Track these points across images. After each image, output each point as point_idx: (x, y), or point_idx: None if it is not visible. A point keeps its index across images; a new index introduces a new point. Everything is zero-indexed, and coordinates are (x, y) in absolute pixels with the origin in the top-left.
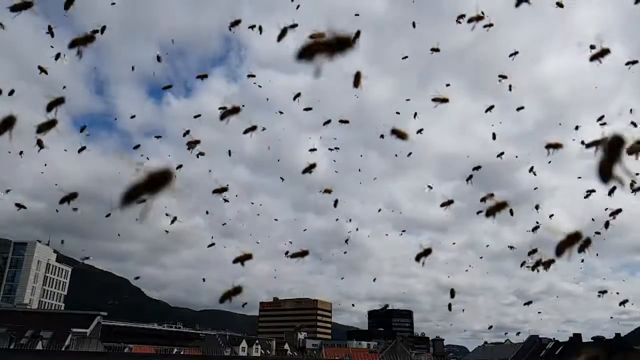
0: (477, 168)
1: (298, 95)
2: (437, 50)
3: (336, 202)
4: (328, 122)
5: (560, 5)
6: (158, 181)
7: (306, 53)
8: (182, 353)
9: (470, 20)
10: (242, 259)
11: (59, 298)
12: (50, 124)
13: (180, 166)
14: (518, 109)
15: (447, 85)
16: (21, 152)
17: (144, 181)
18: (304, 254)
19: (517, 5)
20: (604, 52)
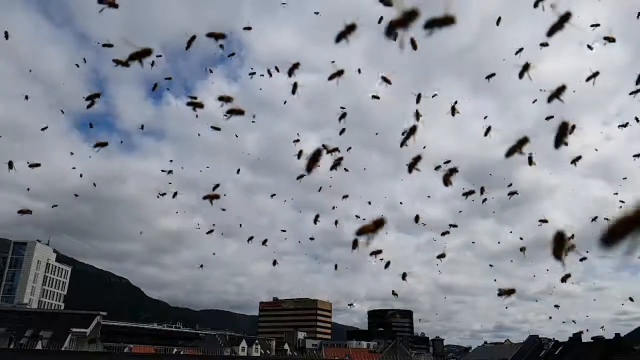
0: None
1: (295, 86)
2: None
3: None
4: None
5: (611, 39)
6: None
7: (612, 238)
8: (182, 353)
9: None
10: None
11: (59, 298)
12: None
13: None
14: (547, 119)
15: (434, 96)
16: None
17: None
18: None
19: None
20: (566, 16)
